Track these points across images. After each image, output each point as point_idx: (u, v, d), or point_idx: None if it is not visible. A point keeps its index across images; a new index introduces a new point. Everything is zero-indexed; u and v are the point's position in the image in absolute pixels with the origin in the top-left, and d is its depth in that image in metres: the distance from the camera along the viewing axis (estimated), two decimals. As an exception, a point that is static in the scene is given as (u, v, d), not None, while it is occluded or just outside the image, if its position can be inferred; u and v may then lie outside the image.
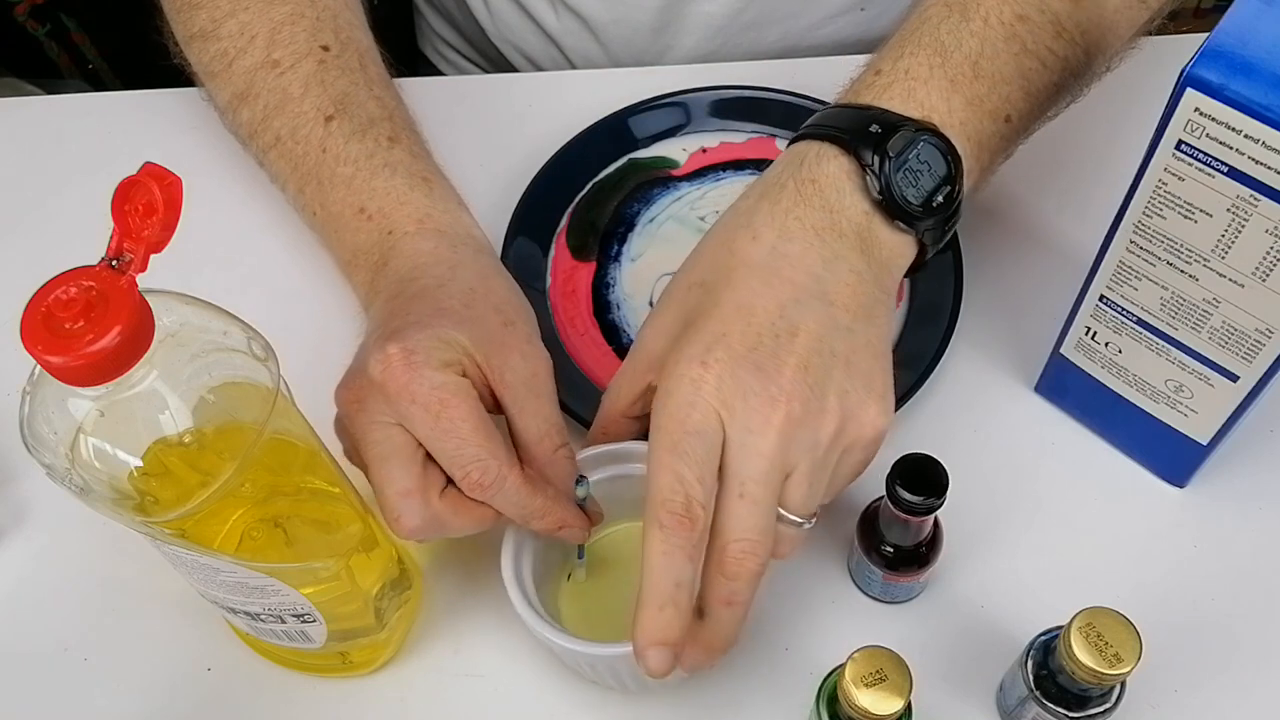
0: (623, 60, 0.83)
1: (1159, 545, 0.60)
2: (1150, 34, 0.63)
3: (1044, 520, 0.60)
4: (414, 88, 0.69)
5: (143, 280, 0.39)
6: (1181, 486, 0.61)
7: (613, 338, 0.66)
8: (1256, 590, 0.58)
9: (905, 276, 0.54)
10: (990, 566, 0.59)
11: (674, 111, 0.73)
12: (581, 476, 0.53)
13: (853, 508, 0.56)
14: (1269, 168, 0.43)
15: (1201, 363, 0.53)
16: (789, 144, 0.54)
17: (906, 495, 0.50)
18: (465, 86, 0.81)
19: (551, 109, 0.75)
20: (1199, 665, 0.56)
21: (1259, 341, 0.49)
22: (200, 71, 0.68)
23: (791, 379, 0.47)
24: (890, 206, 0.50)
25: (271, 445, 0.45)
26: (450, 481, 0.51)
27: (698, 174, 0.71)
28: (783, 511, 0.48)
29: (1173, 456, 0.59)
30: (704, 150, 0.72)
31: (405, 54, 0.70)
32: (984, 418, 0.63)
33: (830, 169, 0.51)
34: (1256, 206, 0.45)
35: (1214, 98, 0.43)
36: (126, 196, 0.40)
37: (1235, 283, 0.48)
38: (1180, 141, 0.45)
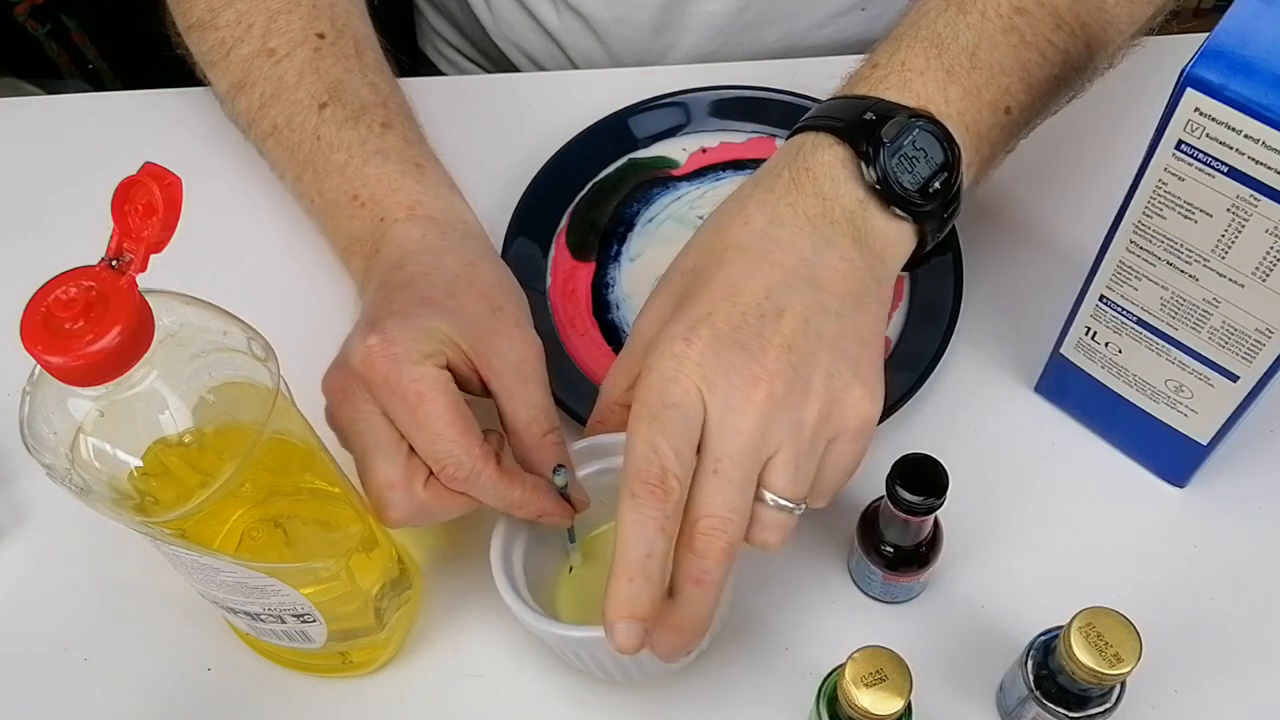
0: (624, 59, 0.83)
1: (1159, 545, 0.60)
2: (1150, 33, 0.63)
3: (1044, 520, 0.60)
4: (414, 87, 0.69)
5: (143, 280, 0.39)
6: (1181, 486, 0.61)
7: (612, 337, 0.66)
8: (1256, 590, 0.58)
9: (907, 270, 0.54)
10: (990, 566, 0.59)
11: (674, 111, 0.73)
12: (559, 466, 0.53)
13: (853, 508, 0.56)
14: (1269, 168, 0.43)
15: (1201, 363, 0.53)
16: (787, 136, 0.54)
17: (906, 495, 0.50)
18: (465, 86, 0.81)
19: (552, 109, 0.75)
20: (1199, 665, 0.56)
21: (1259, 341, 0.49)
22: (200, 61, 0.68)
23: (775, 359, 0.47)
24: (886, 193, 0.50)
25: (271, 445, 0.45)
26: None
27: (698, 174, 0.71)
28: (770, 496, 0.47)
29: (1173, 456, 0.59)
30: (704, 150, 0.72)
31: (405, 54, 0.70)
32: (984, 418, 0.63)
33: (825, 157, 0.51)
34: (1256, 206, 0.45)
35: (1214, 98, 0.43)
36: (126, 196, 0.40)
37: (1235, 283, 0.48)
38: (1180, 141, 0.45)
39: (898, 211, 0.51)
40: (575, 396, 0.61)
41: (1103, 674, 0.46)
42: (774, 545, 0.48)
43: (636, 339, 0.53)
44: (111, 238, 0.39)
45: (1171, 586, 0.58)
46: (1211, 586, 0.58)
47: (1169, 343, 0.53)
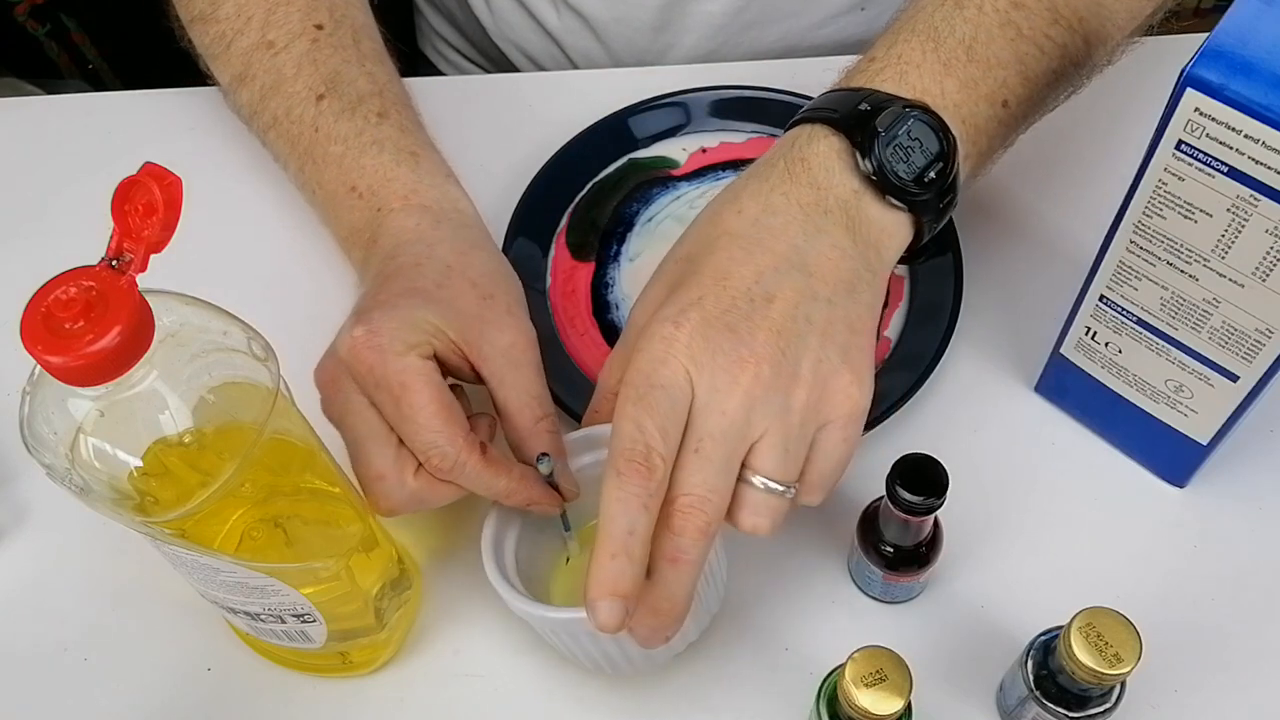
0: (624, 59, 0.83)
1: (1159, 545, 0.60)
2: (1150, 33, 0.63)
3: (1044, 520, 0.60)
4: (414, 88, 0.69)
5: (143, 280, 0.39)
6: (1181, 486, 0.61)
7: (612, 337, 0.66)
8: (1256, 590, 0.58)
9: (907, 263, 0.54)
10: (990, 566, 0.59)
11: (674, 111, 0.73)
12: (543, 454, 0.53)
13: (853, 508, 0.56)
14: (1269, 168, 0.43)
15: (1201, 363, 0.53)
16: (785, 129, 0.55)
17: (906, 495, 0.50)
18: (465, 86, 0.81)
19: (551, 109, 0.75)
20: (1199, 665, 0.56)
21: (1259, 341, 0.49)
22: (203, 53, 0.69)
23: (764, 342, 0.47)
24: (881, 182, 0.50)
25: (271, 445, 0.45)
26: None
27: (697, 174, 0.71)
28: (759, 479, 0.47)
29: (1173, 456, 0.59)
30: (704, 150, 0.72)
31: (404, 56, 0.70)
32: (984, 418, 0.63)
33: (820, 148, 0.51)
34: (1256, 206, 0.45)
35: (1214, 98, 0.43)
36: (126, 196, 0.40)
37: (1235, 283, 0.48)
38: (1180, 141, 0.45)
39: (893, 201, 0.51)
40: (574, 396, 0.61)
41: (1103, 674, 0.46)
42: (765, 529, 0.48)
43: (632, 327, 0.53)
44: (111, 238, 0.39)
45: (1171, 586, 0.58)
46: (1211, 586, 0.58)
47: (1169, 343, 0.53)
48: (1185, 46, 0.44)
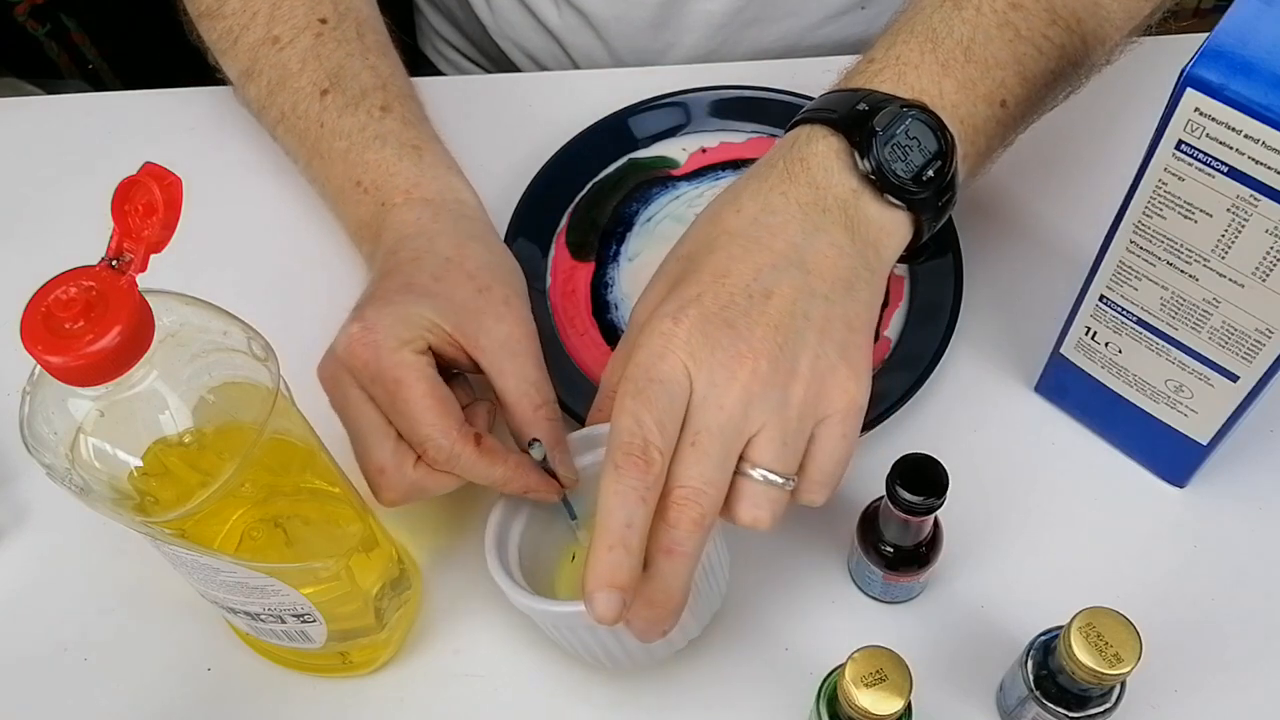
0: (624, 57, 0.83)
1: (1159, 545, 0.60)
2: (1150, 33, 0.63)
3: (1044, 520, 0.60)
4: (414, 87, 0.69)
5: (143, 280, 0.39)
6: (1181, 486, 0.61)
7: (612, 337, 0.66)
8: (1256, 590, 0.58)
9: (907, 263, 0.54)
10: (990, 566, 0.59)
11: (674, 111, 0.73)
12: (534, 440, 0.53)
13: (853, 508, 0.56)
14: (1269, 168, 0.43)
15: (1201, 363, 0.53)
16: (784, 130, 0.55)
17: (906, 495, 0.50)
18: (465, 86, 0.80)
19: (552, 109, 0.75)
20: (1199, 665, 0.56)
21: (1259, 341, 0.49)
22: (212, 49, 0.69)
23: (762, 337, 0.47)
24: (880, 181, 0.51)
25: (271, 445, 0.45)
26: None
27: (697, 174, 0.71)
28: (758, 471, 0.47)
29: (1173, 456, 0.59)
30: (704, 150, 0.72)
31: (405, 54, 0.70)
32: (984, 418, 0.63)
33: (819, 148, 0.52)
34: (1256, 206, 0.45)
35: (1214, 98, 0.43)
36: (126, 196, 0.40)
37: (1235, 283, 0.48)
38: (1180, 141, 0.45)
39: (892, 200, 0.51)
40: (575, 396, 0.61)
41: (1103, 674, 0.46)
42: (765, 522, 0.48)
43: (633, 326, 0.53)
44: (111, 238, 0.39)
45: (1171, 586, 0.58)
46: (1211, 586, 0.58)
47: (1169, 343, 0.53)
48: (1185, 46, 0.44)
